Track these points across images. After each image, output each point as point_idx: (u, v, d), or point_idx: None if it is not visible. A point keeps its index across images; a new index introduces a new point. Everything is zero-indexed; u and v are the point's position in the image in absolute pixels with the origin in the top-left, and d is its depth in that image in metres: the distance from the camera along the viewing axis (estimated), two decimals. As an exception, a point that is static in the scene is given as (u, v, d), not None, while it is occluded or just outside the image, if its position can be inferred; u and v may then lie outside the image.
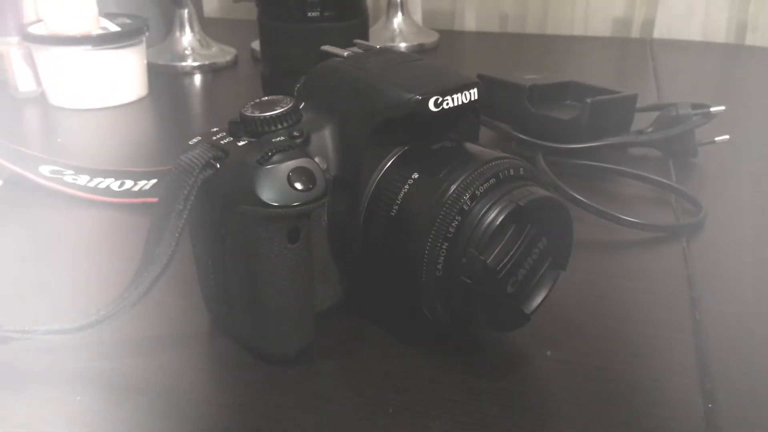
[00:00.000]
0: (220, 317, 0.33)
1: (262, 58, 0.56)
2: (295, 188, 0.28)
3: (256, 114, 0.31)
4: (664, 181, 0.48)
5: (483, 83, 0.56)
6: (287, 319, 0.31)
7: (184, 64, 0.76)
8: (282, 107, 0.31)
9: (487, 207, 0.28)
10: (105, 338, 0.32)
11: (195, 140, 0.32)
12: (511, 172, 0.29)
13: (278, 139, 0.30)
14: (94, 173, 0.49)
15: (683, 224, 0.43)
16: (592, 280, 0.38)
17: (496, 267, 0.28)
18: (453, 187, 0.29)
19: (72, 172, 0.49)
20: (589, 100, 0.50)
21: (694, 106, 0.53)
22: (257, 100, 0.32)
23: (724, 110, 0.52)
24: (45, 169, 0.49)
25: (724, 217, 0.45)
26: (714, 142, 0.52)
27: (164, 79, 0.73)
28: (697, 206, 0.45)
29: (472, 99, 0.31)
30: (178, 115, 0.67)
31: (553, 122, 0.52)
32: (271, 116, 0.31)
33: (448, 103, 0.30)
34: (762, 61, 0.82)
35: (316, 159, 0.31)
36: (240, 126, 0.31)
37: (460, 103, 0.30)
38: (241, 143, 0.30)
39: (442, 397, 0.29)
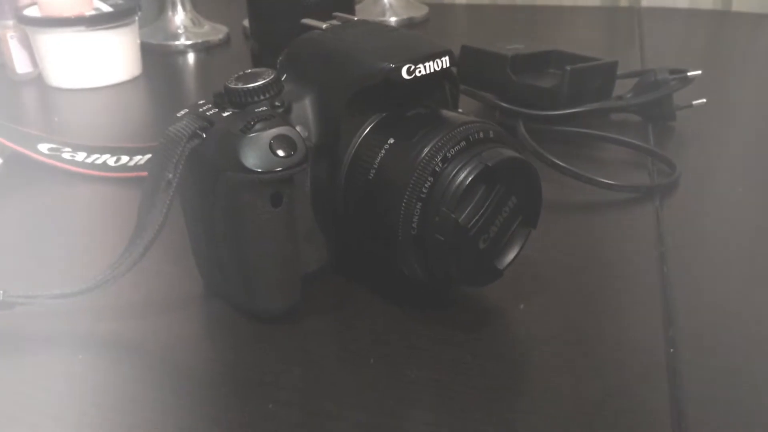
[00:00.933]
0: (212, 281, 0.35)
1: (251, 34, 0.58)
2: (277, 154, 0.30)
3: (240, 86, 0.32)
4: (640, 144, 0.49)
5: (467, 54, 0.58)
6: (274, 279, 0.32)
7: (177, 43, 0.77)
8: (264, 79, 0.33)
9: (457, 168, 0.30)
10: (104, 303, 0.34)
11: (182, 112, 0.33)
12: (481, 135, 0.31)
13: (261, 109, 0.32)
14: (91, 150, 0.51)
15: (656, 185, 0.45)
16: (565, 239, 0.40)
17: (467, 224, 0.30)
18: (425, 150, 0.30)
19: (69, 149, 0.51)
20: (568, 68, 0.52)
21: (672, 71, 0.54)
22: (241, 73, 0.34)
23: (703, 75, 0.53)
24: (43, 147, 0.51)
25: (698, 178, 0.46)
26: (692, 105, 0.54)
27: (157, 58, 0.74)
28: (672, 167, 0.46)
29: (444, 66, 0.32)
30: (171, 93, 0.69)
31: (534, 90, 0.53)
32: (253, 87, 0.32)
33: (420, 71, 0.32)
34: (746, 26, 0.83)
35: (297, 128, 0.32)
36: (224, 97, 0.33)
37: (432, 70, 0.32)
38: (225, 114, 0.32)
39: (419, 348, 0.31)
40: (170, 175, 0.31)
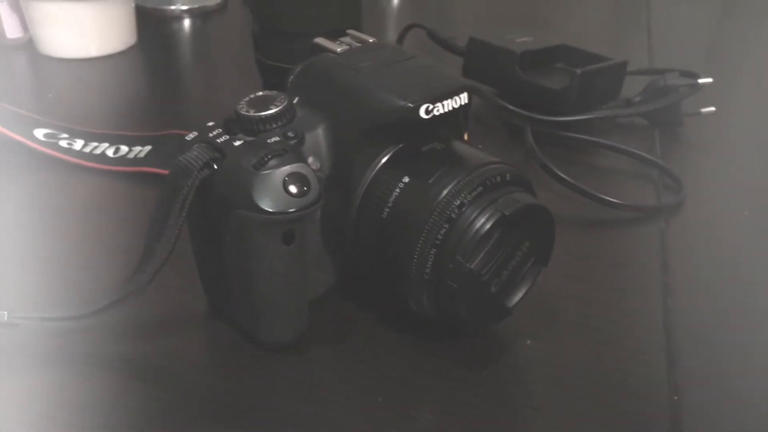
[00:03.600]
0: (218, 304, 0.35)
1: (252, 15, 0.56)
2: (291, 194, 0.29)
3: (252, 113, 0.31)
4: (648, 156, 0.49)
5: (474, 46, 0.57)
6: (282, 312, 0.32)
7: (173, 7, 0.74)
8: (276, 106, 0.32)
9: (474, 216, 0.29)
10: (107, 321, 0.33)
11: (191, 135, 0.32)
12: (498, 179, 0.30)
13: (273, 139, 0.31)
14: (88, 137, 0.49)
15: (662, 205, 0.45)
16: (570, 263, 0.39)
17: (480, 271, 0.30)
18: (442, 195, 0.30)
19: (67, 135, 0.49)
20: (578, 71, 0.51)
21: (683, 74, 0.54)
22: (252, 96, 0.33)
23: (711, 77, 0.53)
24: (39, 133, 0.49)
25: (705, 197, 0.46)
26: (700, 113, 0.53)
27: (152, 24, 0.72)
28: (679, 184, 0.46)
29: (462, 104, 0.31)
30: (168, 65, 0.67)
31: (543, 91, 0.52)
32: (266, 116, 0.31)
33: (438, 110, 0.31)
34: (758, 8, 0.82)
35: (310, 159, 0.32)
36: (236, 124, 0.32)
37: (450, 108, 0.31)
38: (237, 143, 0.31)
39: (426, 387, 0.32)
40: (179, 206, 0.30)
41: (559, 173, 0.44)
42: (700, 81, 0.52)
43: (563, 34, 0.60)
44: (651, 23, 0.76)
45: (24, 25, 0.65)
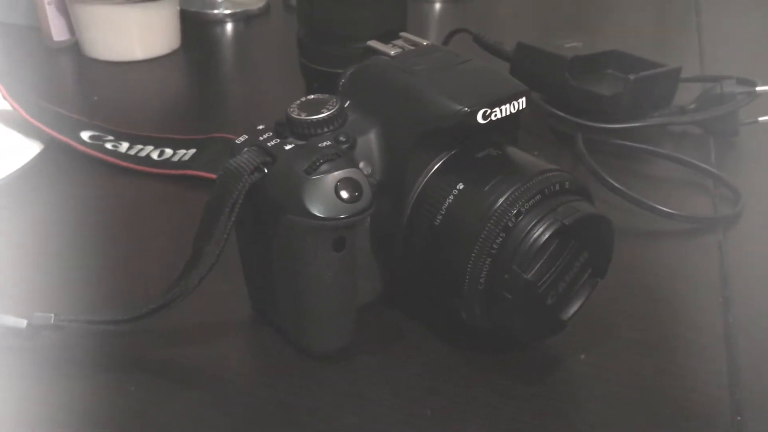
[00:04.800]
0: (263, 309, 0.34)
1: (297, 18, 0.55)
2: (342, 199, 0.29)
3: (303, 117, 0.31)
4: (704, 166, 0.47)
5: (522, 51, 0.56)
6: (329, 320, 0.32)
7: (216, 12, 0.74)
8: (328, 109, 0.31)
9: (531, 225, 0.28)
10: (153, 325, 0.33)
11: (242, 138, 0.32)
12: (557, 187, 0.29)
13: (325, 144, 0.30)
14: (133, 139, 0.49)
15: (720, 216, 0.43)
16: (626, 276, 0.38)
17: (537, 283, 0.29)
18: (498, 203, 0.29)
19: (112, 137, 0.49)
20: (631, 77, 0.49)
21: (740, 82, 0.52)
22: (303, 99, 0.32)
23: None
24: (85, 135, 0.49)
25: (763, 205, 0.44)
26: (757, 122, 0.51)
27: (196, 28, 0.72)
28: (736, 194, 0.45)
29: (520, 108, 0.30)
30: (211, 69, 0.67)
31: (593, 97, 0.51)
32: (317, 120, 0.31)
33: (496, 115, 0.30)
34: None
35: (362, 164, 0.31)
36: (287, 127, 0.31)
37: (508, 113, 0.30)
38: (288, 147, 0.30)
39: (475, 400, 0.31)
40: (229, 209, 0.30)
41: (612, 181, 0.42)
42: (758, 89, 0.50)
43: (612, 40, 0.59)
44: (701, 29, 0.74)
45: (71, 28, 0.65)
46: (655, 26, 0.80)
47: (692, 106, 0.52)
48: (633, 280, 0.38)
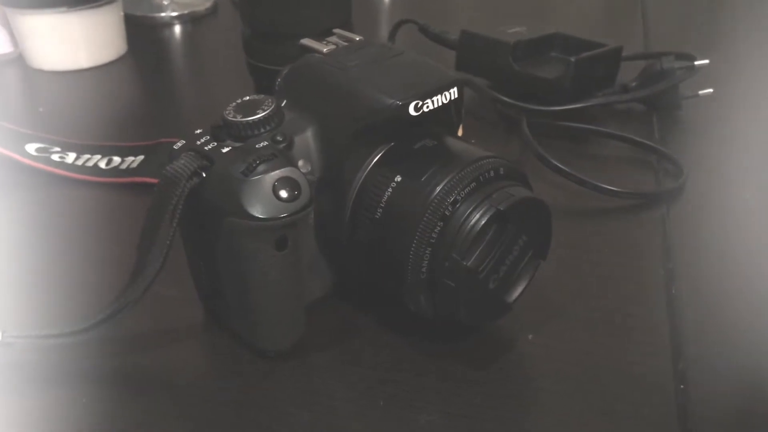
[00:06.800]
0: (214, 310, 0.35)
1: (241, 19, 0.55)
2: (281, 199, 0.29)
3: (239, 119, 0.31)
4: (647, 142, 0.48)
5: (466, 39, 0.56)
6: (278, 318, 0.32)
7: (162, 14, 0.74)
8: (264, 110, 0.31)
9: (468, 212, 0.29)
10: (103, 335, 0.33)
11: (179, 144, 0.32)
12: (491, 173, 0.30)
13: (262, 144, 0.31)
14: (81, 149, 0.49)
15: (663, 190, 0.44)
16: (571, 254, 0.39)
17: (477, 268, 0.29)
18: (435, 193, 0.29)
19: (59, 148, 0.49)
20: (573, 59, 0.50)
21: (679, 57, 0.53)
22: (239, 101, 0.32)
23: (708, 60, 0.52)
24: (31, 147, 0.49)
25: (706, 180, 0.45)
26: (698, 95, 0.52)
27: (142, 32, 0.71)
28: (679, 168, 0.46)
29: (452, 99, 0.31)
30: (159, 73, 0.67)
31: (537, 81, 0.52)
32: (253, 121, 0.31)
33: (428, 106, 0.30)
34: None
35: (300, 162, 0.31)
36: (223, 130, 0.31)
37: (440, 104, 0.31)
38: (225, 150, 0.31)
39: (427, 388, 0.31)
40: (169, 216, 0.30)
41: (556, 163, 0.43)
42: (697, 63, 0.52)
43: (557, 23, 0.60)
44: (646, 7, 0.76)
45: (13, 39, 0.65)
46: (600, 8, 0.81)
47: (634, 83, 0.53)
48: (578, 259, 0.39)
